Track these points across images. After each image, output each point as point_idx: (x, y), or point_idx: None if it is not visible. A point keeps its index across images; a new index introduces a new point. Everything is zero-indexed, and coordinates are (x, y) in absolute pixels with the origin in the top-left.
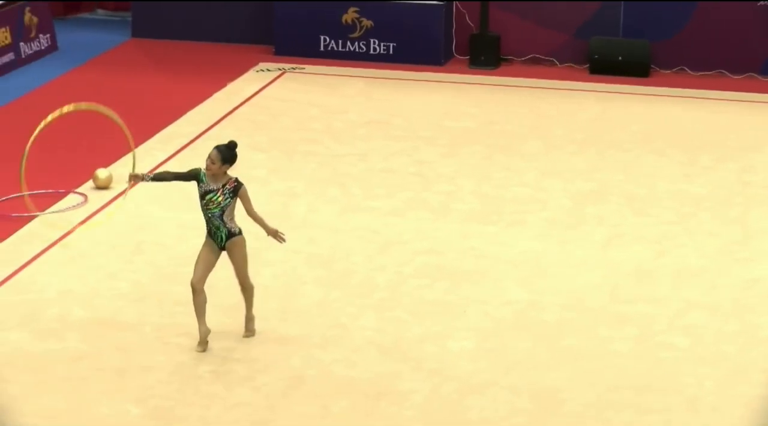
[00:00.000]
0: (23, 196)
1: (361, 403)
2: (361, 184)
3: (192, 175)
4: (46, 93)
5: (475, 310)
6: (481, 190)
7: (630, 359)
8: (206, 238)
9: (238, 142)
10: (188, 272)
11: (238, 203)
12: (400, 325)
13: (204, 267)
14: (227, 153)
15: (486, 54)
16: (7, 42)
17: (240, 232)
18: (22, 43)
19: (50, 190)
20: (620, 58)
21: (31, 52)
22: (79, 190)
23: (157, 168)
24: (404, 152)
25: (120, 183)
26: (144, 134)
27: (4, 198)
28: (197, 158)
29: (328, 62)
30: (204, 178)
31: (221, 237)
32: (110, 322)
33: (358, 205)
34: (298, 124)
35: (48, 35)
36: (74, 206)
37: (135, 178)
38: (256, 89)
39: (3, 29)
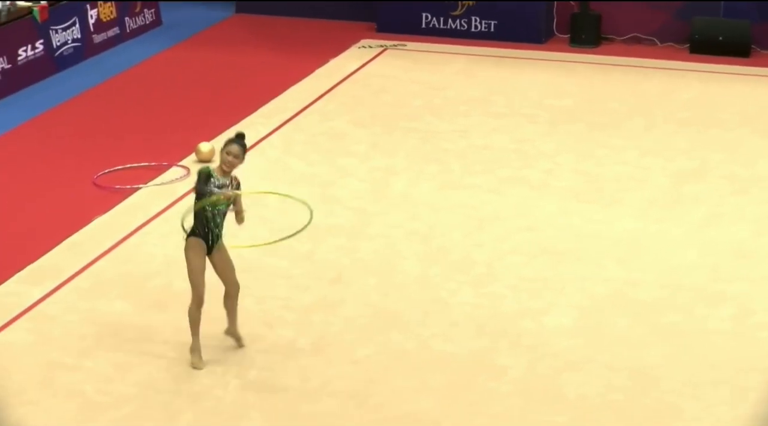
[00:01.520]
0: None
1: (459, 378)
2: (460, 161)
3: (205, 180)
4: (150, 67)
5: (573, 287)
6: (581, 168)
7: (728, 338)
8: (193, 243)
9: (340, 119)
10: (289, 245)
11: None
12: (497, 301)
13: (204, 277)
14: (245, 144)
15: (587, 33)
16: (112, 17)
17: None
18: (127, 18)
19: (153, 163)
20: (721, 38)
21: (135, 26)
22: (182, 163)
23: (260, 142)
24: (504, 129)
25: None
26: (247, 109)
27: (108, 170)
28: (300, 133)
29: (430, 39)
30: (214, 174)
31: (214, 238)
32: (211, 293)
33: (457, 182)
34: (399, 100)
35: (153, 10)
36: (177, 179)
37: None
38: (358, 65)
39: (109, 4)
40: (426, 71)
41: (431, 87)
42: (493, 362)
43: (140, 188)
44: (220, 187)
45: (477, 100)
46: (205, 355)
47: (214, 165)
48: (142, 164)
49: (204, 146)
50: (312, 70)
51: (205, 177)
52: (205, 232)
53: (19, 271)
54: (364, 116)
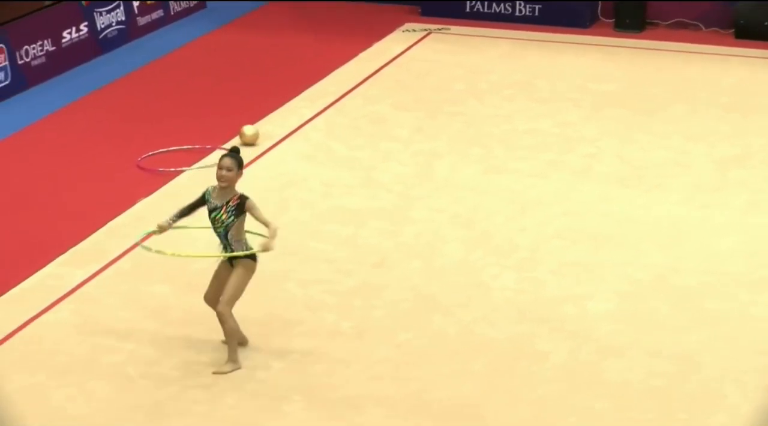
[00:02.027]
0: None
1: (501, 363)
2: (503, 145)
3: (201, 199)
4: (194, 50)
5: (615, 273)
6: (624, 153)
7: None
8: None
9: (383, 102)
10: (332, 231)
11: (248, 221)
12: (539, 286)
13: (218, 284)
14: (239, 157)
15: (631, 17)
16: None
17: (252, 257)
18: (171, 1)
19: (197, 146)
20: (766, 23)
21: (179, 9)
22: (226, 146)
23: (303, 125)
24: (547, 114)
25: (265, 139)
26: (291, 92)
27: (152, 153)
28: (343, 116)
29: (474, 23)
30: (209, 196)
31: (230, 255)
32: (254, 276)
33: (500, 166)
34: (442, 84)
35: None
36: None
37: (161, 229)
38: (402, 49)
39: None
40: (470, 55)
41: (475, 71)
42: (535, 347)
43: (184, 171)
44: (211, 210)
45: (520, 85)
46: (246, 336)
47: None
48: (186, 147)
49: (248, 129)
50: (355, 54)
51: (201, 196)
52: (222, 247)
53: (62, 253)
54: (407, 100)
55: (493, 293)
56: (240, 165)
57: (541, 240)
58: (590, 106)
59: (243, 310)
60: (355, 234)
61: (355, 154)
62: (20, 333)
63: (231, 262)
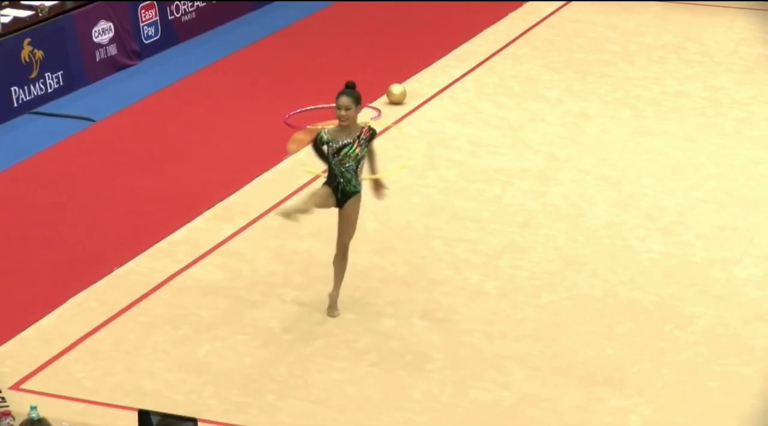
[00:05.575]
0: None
1: (645, 325)
2: (653, 108)
3: (318, 148)
4: (344, 7)
5: (765, 238)
6: None
7: None
8: (323, 189)
9: (532, 63)
10: (478, 190)
11: None
12: (687, 249)
13: (318, 201)
14: (355, 92)
15: None
16: None
17: (360, 188)
18: None
19: None
20: None
21: None
22: (373, 104)
23: (451, 85)
24: (698, 77)
25: (413, 98)
26: (440, 51)
27: (299, 110)
28: (492, 76)
29: None
30: (328, 139)
31: (347, 191)
32: (401, 235)
33: (649, 128)
34: (593, 45)
35: None
36: (369, 120)
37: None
38: (553, 9)
39: None
40: (620, 17)
41: (625, 32)
42: (680, 311)
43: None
44: (339, 148)
45: (671, 47)
46: (390, 297)
47: (330, 126)
48: (333, 105)
49: (396, 88)
50: (506, 14)
51: (315, 146)
52: (334, 185)
53: (209, 207)
54: (557, 60)
55: (640, 256)
56: (357, 101)
57: (689, 203)
58: (742, 69)
59: (388, 268)
60: (501, 194)
61: (502, 113)
62: (167, 285)
63: (342, 202)
